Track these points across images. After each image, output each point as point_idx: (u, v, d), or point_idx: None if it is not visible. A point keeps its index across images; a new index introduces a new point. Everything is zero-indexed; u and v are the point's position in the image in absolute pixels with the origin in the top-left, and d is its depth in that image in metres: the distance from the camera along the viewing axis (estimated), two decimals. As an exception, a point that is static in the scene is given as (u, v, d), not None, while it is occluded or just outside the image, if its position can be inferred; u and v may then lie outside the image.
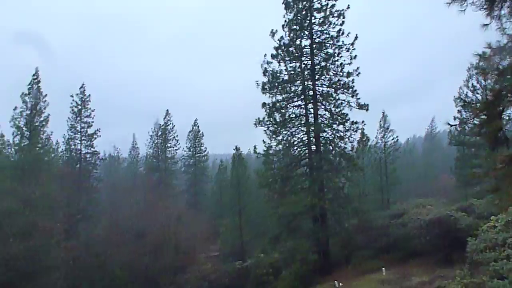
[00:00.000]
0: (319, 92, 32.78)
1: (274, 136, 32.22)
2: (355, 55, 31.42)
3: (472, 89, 37.22)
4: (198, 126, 72.89)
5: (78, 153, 52.75)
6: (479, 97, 35.54)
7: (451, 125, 11.55)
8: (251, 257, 38.45)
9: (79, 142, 52.69)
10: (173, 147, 69.14)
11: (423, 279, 22.25)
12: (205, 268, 38.96)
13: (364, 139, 41.53)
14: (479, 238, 17.07)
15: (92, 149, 53.32)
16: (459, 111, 36.72)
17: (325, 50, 32.49)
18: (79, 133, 52.50)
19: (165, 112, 68.00)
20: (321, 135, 32.79)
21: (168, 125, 68.22)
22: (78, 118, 52.20)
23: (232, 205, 45.76)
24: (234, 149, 47.47)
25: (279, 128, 32.29)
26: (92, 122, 52.69)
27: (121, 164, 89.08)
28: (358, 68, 31.57)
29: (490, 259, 14.87)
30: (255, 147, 34.13)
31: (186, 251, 39.48)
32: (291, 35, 32.25)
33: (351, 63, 31.67)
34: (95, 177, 55.53)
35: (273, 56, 32.28)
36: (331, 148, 33.15)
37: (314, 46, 32.47)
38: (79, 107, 52.07)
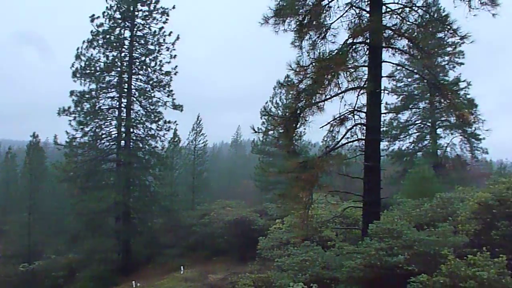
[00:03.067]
0: (135, 86, 31.99)
1: (81, 127, 29.90)
2: (175, 55, 31.79)
3: (275, 105, 41.64)
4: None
5: None
6: (280, 113, 40.01)
7: (255, 131, 12.71)
8: (43, 259, 34.51)
9: None
10: None
11: (220, 276, 23.70)
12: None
13: (176, 140, 42.27)
14: (268, 237, 19.09)
15: None
16: (263, 123, 40.64)
17: (145, 45, 31.93)
18: None
19: None
20: (132, 130, 31.93)
21: None
22: None
23: (22, 199, 40.38)
24: (31, 136, 42.16)
25: (87, 119, 30.13)
26: None
27: None
28: (176, 67, 31.97)
29: (276, 256, 16.78)
30: (55, 136, 31.02)
31: None
32: (112, 23, 30.67)
33: (170, 62, 31.90)
34: None
35: (89, 42, 30.10)
36: (141, 145, 32.60)
37: (135, 38, 31.56)
38: None
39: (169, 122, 32.13)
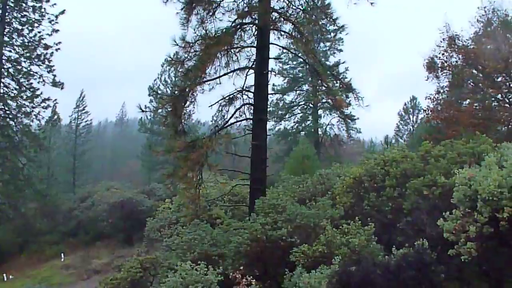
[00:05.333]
0: (6, 57, 28.34)
1: None
2: (58, 29, 28.85)
3: (164, 83, 40.47)
4: None
5: None
6: (169, 91, 39.05)
7: (142, 110, 12.25)
8: None
9: None
10: None
11: (104, 260, 22.73)
12: None
13: (55, 118, 38.68)
14: (156, 218, 18.74)
15: None
16: (151, 101, 39.27)
17: (21, 11, 28.39)
18: None
19: None
20: (1, 107, 28.43)
21: None
22: None
23: None
24: None
25: None
26: None
27: None
28: (59, 43, 29.08)
29: (165, 236, 16.56)
30: None
31: None
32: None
33: (51, 35, 28.87)
34: None
35: None
36: (13, 123, 29.21)
37: (10, 3, 27.88)
38: None
39: (47, 99, 29.16)
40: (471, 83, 22.09)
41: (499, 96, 21.23)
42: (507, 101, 20.83)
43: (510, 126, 20.43)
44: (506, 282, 9.23)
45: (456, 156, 11.89)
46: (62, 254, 24.27)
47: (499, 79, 20.89)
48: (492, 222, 7.62)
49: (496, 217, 7.50)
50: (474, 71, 21.56)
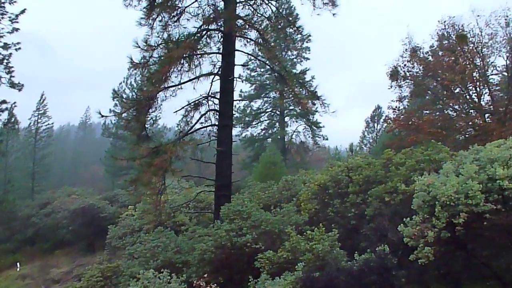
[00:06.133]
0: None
1: None
2: (18, 28, 27.70)
3: (130, 86, 39.70)
4: None
5: None
6: (134, 95, 38.34)
7: (102, 116, 11.95)
8: None
9: None
10: None
11: (64, 269, 21.96)
12: None
13: (12, 121, 37.13)
14: (119, 225, 18.30)
15: None
16: (116, 105, 38.40)
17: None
18: None
19: None
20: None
21: None
22: None
23: None
24: None
25: None
26: None
27: None
28: (19, 43, 27.95)
29: (128, 244, 16.18)
30: None
31: None
32: None
33: (12, 32, 27.69)
34: None
35: None
36: (-36, 126, 27.91)
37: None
38: None
39: (3, 102, 27.90)
40: (431, 93, 22.87)
41: (456, 106, 22.06)
42: (464, 111, 21.68)
43: (467, 136, 21.25)
44: (463, 285, 9.56)
45: (415, 164, 12.24)
46: (17, 264, 23.24)
47: (457, 90, 21.73)
48: (449, 227, 7.87)
49: (453, 222, 7.76)
50: (434, 82, 22.33)
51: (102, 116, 12.18)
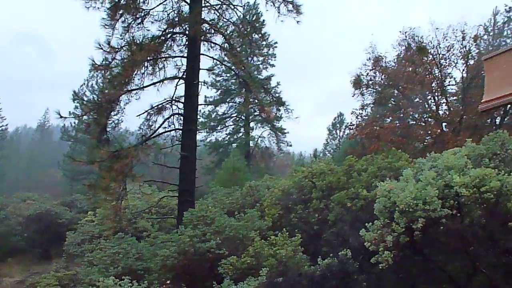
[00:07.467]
0: None
1: None
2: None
3: (91, 89, 38.61)
4: None
5: None
6: (95, 98, 37.35)
7: (61, 117, 11.56)
8: None
9: None
10: None
11: (17, 278, 20.97)
12: None
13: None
14: (78, 231, 17.71)
15: None
16: (76, 107, 37.18)
17: None
18: None
19: None
20: None
21: None
22: None
23: None
24: None
25: None
26: None
27: None
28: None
29: (87, 251, 15.67)
30: None
31: None
32: None
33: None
34: None
35: None
36: None
37: None
38: None
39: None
40: (393, 102, 23.60)
41: (416, 115, 22.86)
42: (423, 120, 22.50)
43: (425, 143, 22.04)
44: (420, 288, 9.83)
45: (376, 170, 12.54)
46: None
47: (416, 99, 22.53)
48: (407, 232, 8.07)
49: (411, 227, 7.97)
50: (395, 91, 23.06)
51: (61, 117, 11.75)
